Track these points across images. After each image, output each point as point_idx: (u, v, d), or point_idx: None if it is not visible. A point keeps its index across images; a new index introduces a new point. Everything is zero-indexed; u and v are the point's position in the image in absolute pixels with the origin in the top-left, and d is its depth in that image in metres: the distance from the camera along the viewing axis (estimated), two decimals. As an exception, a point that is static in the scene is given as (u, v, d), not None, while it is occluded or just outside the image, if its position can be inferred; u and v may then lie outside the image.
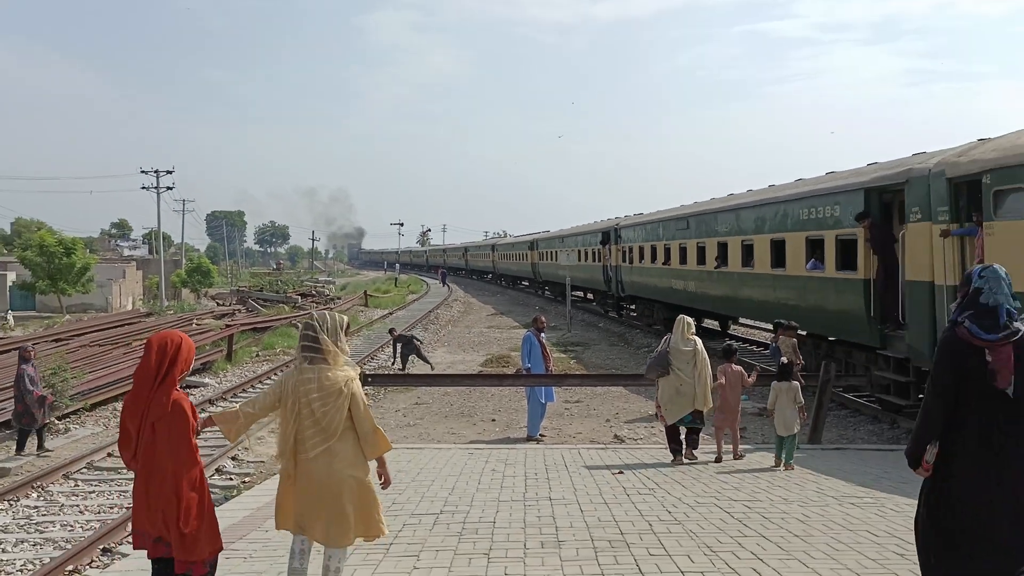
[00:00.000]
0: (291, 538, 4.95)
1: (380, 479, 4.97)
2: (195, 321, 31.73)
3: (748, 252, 18.29)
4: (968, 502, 3.62)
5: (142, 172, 57.08)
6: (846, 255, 13.92)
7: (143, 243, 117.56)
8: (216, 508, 4.73)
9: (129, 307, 47.62)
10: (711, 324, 25.25)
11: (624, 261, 29.71)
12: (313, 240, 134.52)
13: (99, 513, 9.48)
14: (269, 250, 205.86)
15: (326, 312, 5.11)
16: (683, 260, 23.10)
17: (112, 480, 10.91)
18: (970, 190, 10.89)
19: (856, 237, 13.45)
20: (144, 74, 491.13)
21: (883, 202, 13.37)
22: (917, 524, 3.86)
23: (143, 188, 57.30)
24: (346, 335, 4.94)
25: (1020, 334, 3.71)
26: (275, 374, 20.35)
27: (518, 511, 7.35)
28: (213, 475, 10.93)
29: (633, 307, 31.07)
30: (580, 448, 11.00)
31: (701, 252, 21.54)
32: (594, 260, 34.44)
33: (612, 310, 33.62)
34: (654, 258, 26.16)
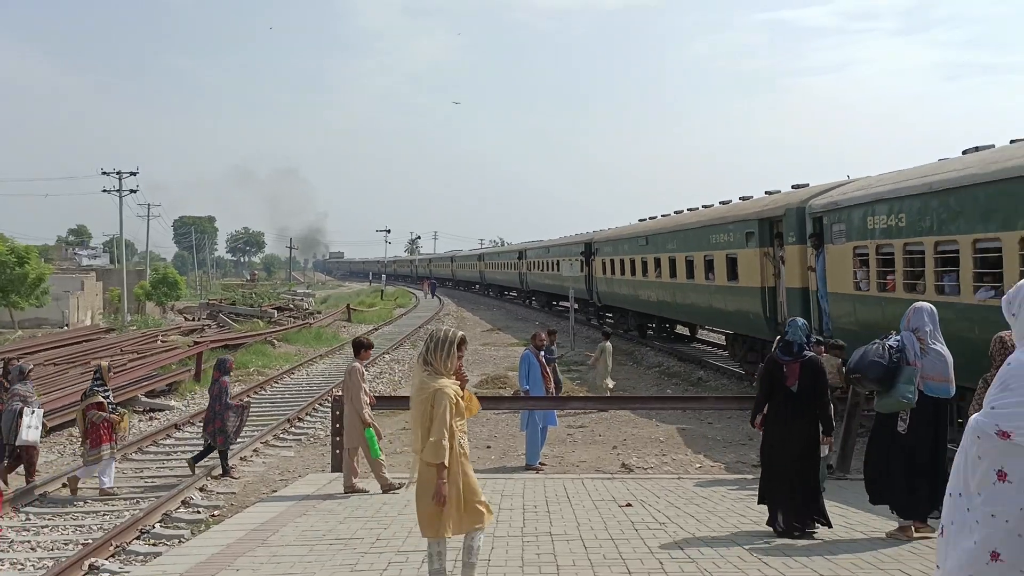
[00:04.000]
0: None
1: (435, 493, 5.63)
2: (160, 338, 31.70)
3: (689, 266, 24.16)
4: (775, 439, 7.67)
5: (103, 173, 57.11)
6: (747, 268, 19.77)
7: (104, 251, 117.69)
8: (180, 544, 4.70)
9: (88, 322, 47.53)
10: (682, 330, 31.46)
11: (601, 273, 34.60)
12: (291, 249, 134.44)
13: (52, 550, 9.43)
14: (242, 259, 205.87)
15: (448, 328, 6.03)
16: (644, 273, 28.54)
17: (67, 513, 10.86)
18: (819, 223, 16.25)
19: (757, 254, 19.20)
20: (103, 60, 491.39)
21: (769, 228, 18.93)
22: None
23: (104, 191, 57.35)
24: (459, 349, 5.81)
25: (805, 358, 7.51)
26: (248, 396, 20.31)
27: (515, 548, 7.33)
28: (179, 508, 10.90)
29: (610, 315, 36.33)
30: (584, 478, 10.98)
31: (657, 265, 27.10)
32: (581, 270, 38.38)
33: (593, 318, 38.96)
34: (623, 271, 31.42)
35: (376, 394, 12.67)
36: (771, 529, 7.76)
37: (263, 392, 21.44)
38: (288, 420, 17.08)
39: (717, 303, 22.30)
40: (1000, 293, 10.47)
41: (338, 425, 11.58)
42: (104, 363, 12.48)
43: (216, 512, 10.83)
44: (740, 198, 23.02)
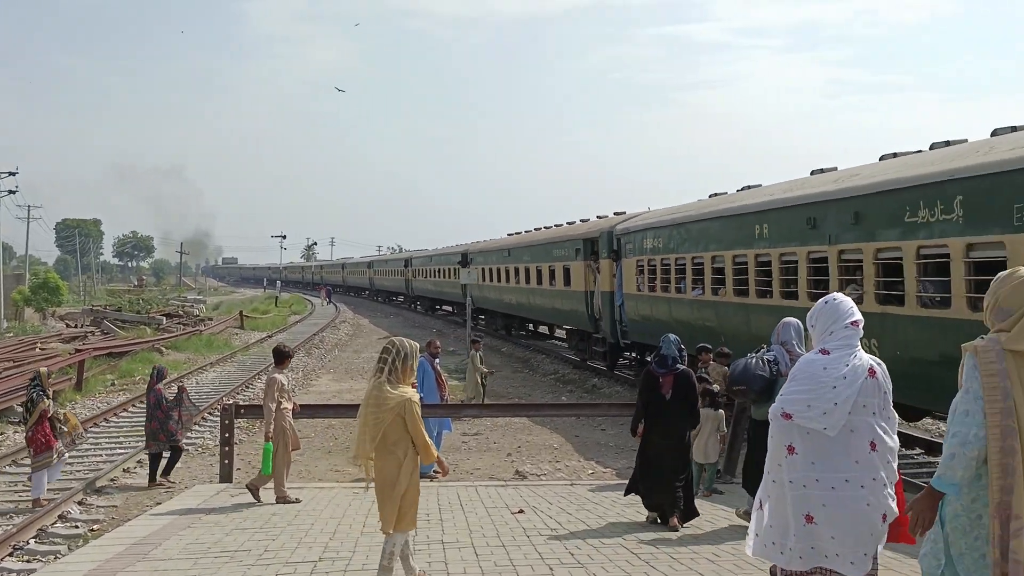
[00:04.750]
0: None
1: (441, 472, 6.90)
2: (39, 345, 30.35)
3: (538, 274, 29.97)
4: (653, 445, 8.33)
5: (-21, 174, 54.42)
6: (576, 276, 25.84)
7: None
8: (55, 561, 4.53)
9: (-40, 328, 45.09)
10: (543, 329, 36.69)
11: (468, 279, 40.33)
12: (181, 253, 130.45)
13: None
14: (130, 264, 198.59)
15: (403, 340, 6.34)
16: (507, 280, 34.37)
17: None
18: (618, 242, 22.61)
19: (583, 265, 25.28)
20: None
21: (592, 246, 24.77)
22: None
23: (-20, 192, 54.65)
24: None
25: (678, 370, 8.32)
26: (134, 405, 19.61)
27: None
28: (55, 523, 10.44)
29: (483, 316, 41.54)
30: (478, 485, 10.99)
31: (516, 273, 33.01)
32: (455, 277, 42.61)
33: (471, 320, 43.04)
34: (492, 278, 36.63)
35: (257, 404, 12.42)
36: (655, 525, 8.27)
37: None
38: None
39: (557, 304, 28.30)
40: (701, 293, 17.25)
41: (227, 435, 11.32)
42: (43, 369, 12.47)
43: (96, 526, 10.42)
44: (582, 220, 28.98)
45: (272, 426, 9.81)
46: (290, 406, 10.16)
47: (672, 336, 8.60)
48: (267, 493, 9.85)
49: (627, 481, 9.00)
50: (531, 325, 37.15)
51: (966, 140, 11.64)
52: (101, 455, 14.76)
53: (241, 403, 16.19)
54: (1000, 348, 3.75)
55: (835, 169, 14.58)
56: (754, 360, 7.76)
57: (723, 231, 16.50)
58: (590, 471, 13.22)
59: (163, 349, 31.77)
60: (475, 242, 45.09)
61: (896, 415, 4.56)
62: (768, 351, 7.79)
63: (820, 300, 4.76)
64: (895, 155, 13.00)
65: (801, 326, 7.87)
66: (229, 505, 9.59)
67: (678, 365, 8.34)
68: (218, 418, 12.92)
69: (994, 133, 11.11)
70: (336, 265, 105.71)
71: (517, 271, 32.89)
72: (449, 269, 45.85)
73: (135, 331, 39.10)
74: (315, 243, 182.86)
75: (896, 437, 4.48)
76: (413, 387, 6.32)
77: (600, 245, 23.93)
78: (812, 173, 15.16)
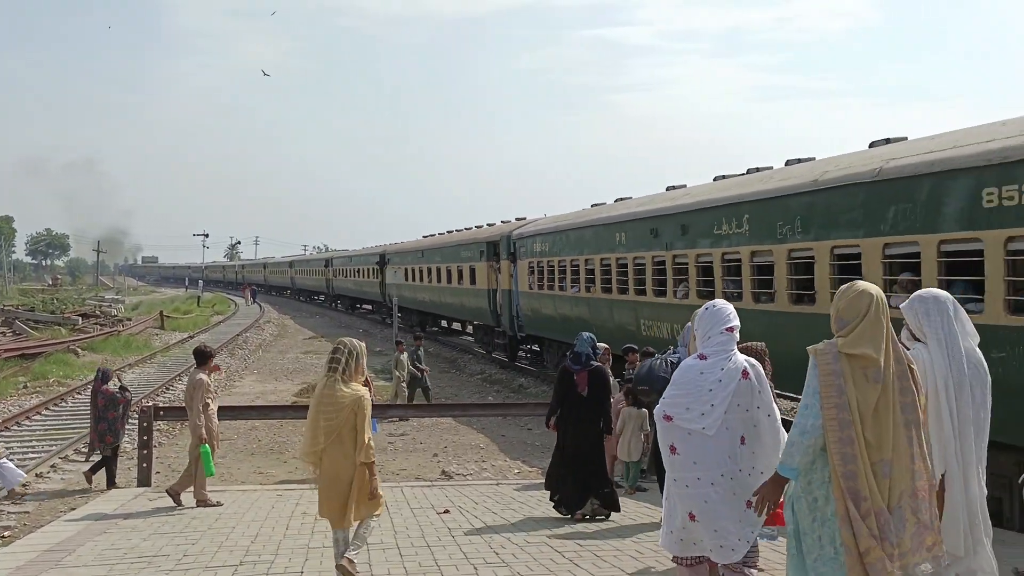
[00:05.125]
0: None
1: (371, 482, 6.25)
2: (-53, 346, 29.20)
3: (448, 274, 32.70)
4: (569, 440, 8.56)
5: None
6: (481, 276, 28.39)
7: None
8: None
9: None
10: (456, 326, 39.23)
11: (394, 279, 42.64)
12: (99, 252, 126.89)
13: None
14: (44, 263, 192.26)
15: (351, 339, 6.50)
16: (421, 279, 37.24)
17: None
18: (515, 245, 25.13)
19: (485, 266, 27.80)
20: None
21: (494, 248, 27.25)
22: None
23: None
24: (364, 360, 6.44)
25: (592, 367, 8.51)
26: (48, 408, 19.02)
27: (329, 559, 7.18)
28: (-37, 530, 10.06)
29: (400, 314, 43.79)
30: (403, 486, 10.95)
31: (429, 273, 35.82)
32: (373, 276, 46.67)
33: (388, 318, 44.87)
34: (408, 277, 38.41)
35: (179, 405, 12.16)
36: (573, 521, 8.48)
37: (63, 403, 20.11)
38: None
39: (465, 302, 30.91)
40: (577, 290, 19.97)
41: (145, 437, 11.07)
42: None
43: (7, 533, 10.05)
44: (488, 224, 32.07)
45: (203, 428, 9.65)
46: (215, 407, 10.02)
47: (586, 334, 8.84)
48: (187, 496, 9.67)
49: (547, 470, 9.17)
50: (444, 322, 39.60)
51: (814, 158, 13.25)
52: (13, 460, 14.24)
53: (161, 405, 15.82)
54: (836, 351, 4.20)
55: (684, 186, 17.42)
56: (659, 362, 8.19)
57: (593, 238, 19.51)
58: (516, 470, 13.28)
59: (79, 350, 30.83)
60: (393, 243, 48.01)
61: (775, 408, 4.95)
62: (674, 353, 8.09)
63: (702, 307, 5.09)
64: (757, 169, 14.98)
65: None
66: (147, 509, 9.38)
67: (592, 362, 8.61)
68: (136, 420, 12.62)
69: (787, 163, 13.50)
70: (258, 264, 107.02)
71: (430, 271, 35.71)
72: (368, 269, 48.43)
73: (49, 332, 37.88)
74: (239, 242, 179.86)
75: (778, 425, 4.85)
76: (366, 384, 6.49)
77: (501, 248, 26.66)
78: (668, 188, 17.99)
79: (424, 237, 41.97)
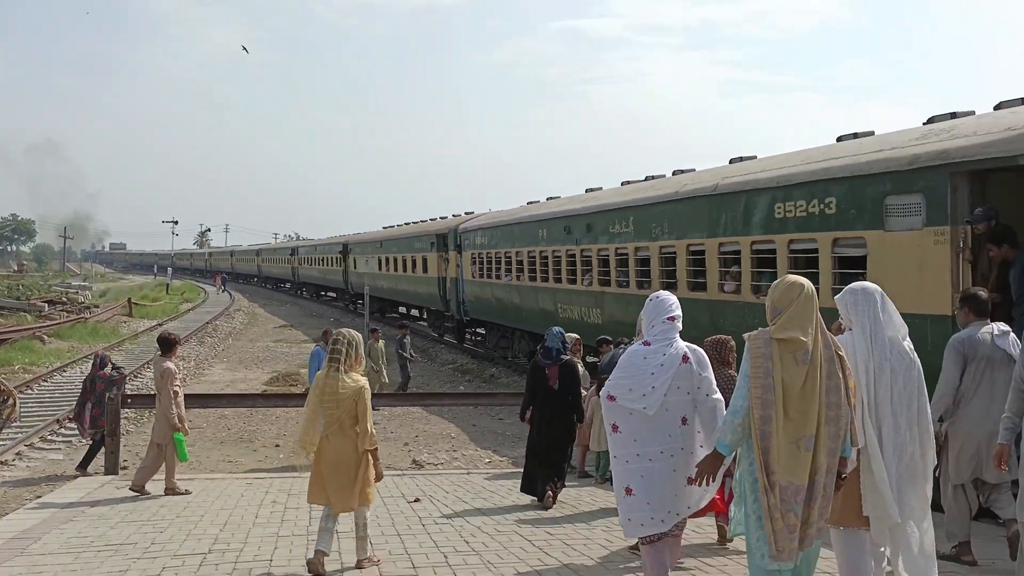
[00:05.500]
0: None
1: (374, 468, 6.61)
2: (-91, 332, 28.72)
3: (403, 263, 35.00)
4: (541, 432, 8.77)
5: None
6: (432, 266, 30.72)
7: None
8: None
9: None
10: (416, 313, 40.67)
11: (354, 267, 45.55)
12: (65, 238, 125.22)
13: None
14: (9, 248, 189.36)
15: (349, 330, 6.83)
16: (380, 268, 39.56)
17: None
18: (461, 238, 27.57)
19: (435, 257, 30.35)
20: None
21: (443, 240, 29.53)
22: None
23: None
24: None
25: (562, 361, 8.76)
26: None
27: (299, 547, 7.20)
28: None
29: (360, 301, 45.61)
30: (374, 475, 10.91)
31: (387, 262, 38.01)
32: (336, 265, 49.36)
33: (351, 304, 48.96)
34: (367, 266, 41.82)
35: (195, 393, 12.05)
36: (544, 510, 8.60)
37: (29, 391, 19.85)
38: (57, 421, 15.92)
39: (418, 289, 33.42)
40: (510, 279, 22.50)
41: (113, 425, 10.96)
42: None
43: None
44: (442, 217, 34.06)
45: (176, 416, 9.59)
46: (182, 394, 9.96)
47: (556, 329, 9.16)
48: (152, 485, 9.59)
49: (523, 470, 9.19)
50: (403, 308, 41.51)
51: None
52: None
53: (128, 393, 15.65)
54: (768, 336, 4.59)
55: (600, 188, 19.95)
56: (621, 350, 8.46)
57: (522, 233, 22.06)
58: (487, 460, 13.31)
59: (44, 337, 30.44)
60: (355, 234, 50.41)
61: (716, 391, 5.24)
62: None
63: (648, 297, 5.49)
64: (652, 177, 17.23)
65: None
66: (114, 498, 9.29)
67: (562, 356, 8.86)
68: (104, 408, 12.49)
69: (675, 172, 15.30)
70: (225, 252, 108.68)
71: (388, 260, 38.10)
72: (332, 258, 50.99)
73: (14, 318, 37.33)
74: (209, 229, 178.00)
75: (716, 405, 5.16)
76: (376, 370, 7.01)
77: (449, 240, 28.86)
78: (586, 191, 20.59)
79: (384, 228, 44.49)
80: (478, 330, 29.00)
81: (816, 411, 4.46)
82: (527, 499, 9.07)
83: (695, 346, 5.32)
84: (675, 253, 14.15)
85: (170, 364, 9.89)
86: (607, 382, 5.27)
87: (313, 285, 61.44)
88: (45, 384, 21.13)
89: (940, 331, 8.30)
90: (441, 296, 29.88)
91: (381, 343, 18.68)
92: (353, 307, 48.42)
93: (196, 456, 13.32)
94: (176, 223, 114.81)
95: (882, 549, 5.07)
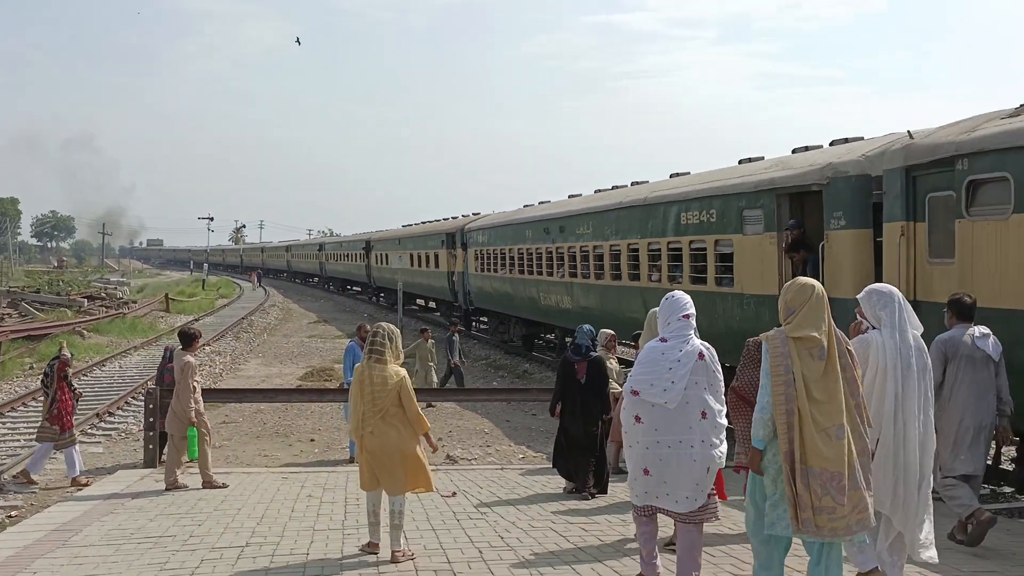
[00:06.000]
0: None
1: (430, 448, 7.06)
2: (-47, 327, 29.27)
3: (419, 259, 38.23)
4: (569, 427, 8.98)
5: None
6: (442, 261, 34.15)
7: None
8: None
9: None
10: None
11: (376, 263, 49.30)
12: (103, 234, 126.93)
13: None
14: (50, 245, 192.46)
15: (388, 324, 7.20)
16: (400, 263, 41.75)
17: None
18: (466, 237, 31.00)
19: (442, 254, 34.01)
20: None
21: (452, 238, 32.71)
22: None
23: None
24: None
25: (591, 357, 9.09)
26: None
27: (335, 541, 7.25)
28: (-30, 509, 10.13)
29: (383, 294, 50.52)
30: (408, 470, 10.94)
31: (408, 258, 40.67)
32: (360, 261, 52.82)
33: (374, 296, 53.56)
34: (389, 262, 45.14)
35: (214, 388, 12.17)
36: (577, 499, 8.86)
37: (360, 364, 20.11)
38: (97, 414, 16.17)
39: (432, 282, 36.71)
40: (505, 273, 26.01)
41: (151, 419, 11.09)
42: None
43: (14, 513, 10.11)
44: (452, 217, 36.98)
45: (193, 409, 9.68)
46: (200, 389, 10.02)
47: (586, 327, 9.47)
48: (193, 478, 9.70)
49: (554, 463, 9.52)
50: (420, 301, 44.69)
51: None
52: (19, 440, 14.33)
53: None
54: (784, 336, 4.91)
55: (580, 195, 23.33)
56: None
57: (514, 233, 25.85)
58: (520, 455, 13.31)
59: (84, 332, 30.93)
60: (377, 231, 53.98)
61: (723, 386, 5.60)
62: None
63: (664, 296, 5.79)
64: (616, 187, 21.00)
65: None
66: (153, 490, 9.41)
67: (591, 352, 9.22)
68: (142, 402, 12.66)
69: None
70: (256, 249, 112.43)
71: (405, 256, 41.30)
72: (356, 254, 54.56)
73: (55, 313, 37.96)
74: (244, 226, 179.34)
75: (724, 401, 5.58)
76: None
77: (456, 238, 32.28)
78: (569, 196, 24.23)
79: (403, 227, 48.39)
80: (482, 319, 33.30)
81: (842, 401, 4.77)
82: (562, 494, 9.07)
83: (708, 344, 5.61)
84: (620, 251, 17.83)
85: (191, 358, 9.97)
86: (630, 377, 5.60)
87: (339, 279, 64.60)
88: (85, 378, 21.44)
89: (773, 307, 9.09)
90: (450, 288, 33.22)
91: (431, 343, 18.53)
92: (376, 299, 52.13)
93: (232, 450, 13.48)
94: (211, 219, 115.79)
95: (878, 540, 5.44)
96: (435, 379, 18.39)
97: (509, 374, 23.37)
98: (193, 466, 9.91)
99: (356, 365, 7.11)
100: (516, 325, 26.96)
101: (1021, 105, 8.87)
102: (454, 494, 9.17)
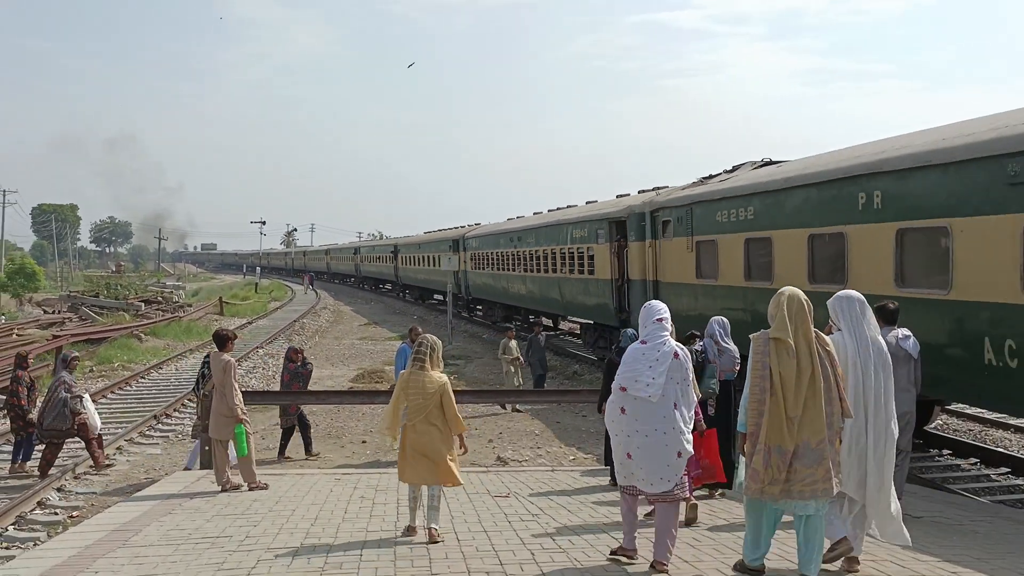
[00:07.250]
0: None
1: (461, 448, 7.76)
2: (16, 331, 30.09)
3: (433, 260, 45.03)
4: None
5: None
6: (449, 262, 37.56)
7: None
8: (35, 547, 4.50)
9: (-65, 314, 44.54)
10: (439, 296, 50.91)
11: (401, 264, 56.36)
12: (160, 239, 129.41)
13: None
14: (108, 250, 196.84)
15: (431, 335, 7.85)
16: (421, 264, 49.26)
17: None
18: (467, 243, 39.81)
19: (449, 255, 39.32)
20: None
21: (456, 244, 40.77)
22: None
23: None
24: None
25: None
26: (112, 392, 19.51)
27: (388, 543, 7.30)
28: (34, 509, 10.40)
29: (408, 291, 58.97)
30: (460, 472, 10.98)
31: (426, 260, 48.08)
32: (389, 262, 60.18)
33: (400, 292, 61.68)
34: (412, 263, 52.46)
35: (250, 389, 12.37)
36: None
37: (128, 388, 20.63)
38: (155, 416, 16.50)
39: (442, 279, 41.84)
40: (490, 271, 35.33)
41: (207, 421, 11.25)
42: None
43: (75, 513, 10.37)
44: (459, 226, 45.09)
45: (239, 407, 9.76)
46: (239, 386, 10.08)
47: (630, 331, 9.63)
48: (236, 478, 9.81)
49: (607, 465, 9.24)
50: (438, 296, 49.99)
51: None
52: (80, 442, 14.65)
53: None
54: (767, 337, 5.77)
55: (546, 211, 30.96)
56: (703, 344, 9.33)
57: (495, 240, 33.97)
58: (571, 457, 13.28)
59: (142, 335, 31.57)
60: (402, 237, 60.68)
61: (694, 380, 6.50)
62: (700, 343, 9.18)
63: (643, 305, 6.67)
64: (571, 205, 28.74)
65: (726, 322, 9.76)
66: (210, 491, 9.57)
67: None
68: (196, 405, 12.86)
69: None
70: (320, 252, 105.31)
71: (425, 259, 48.14)
72: (386, 256, 61.19)
73: (113, 317, 38.82)
74: (295, 229, 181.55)
75: (693, 394, 6.40)
76: None
77: (459, 244, 40.07)
78: (548, 211, 30.93)
79: (425, 233, 54.27)
80: (477, 308, 42.20)
81: (802, 395, 5.61)
82: (613, 497, 9.03)
83: (682, 345, 6.55)
84: (546, 253, 26.82)
85: (229, 357, 10.04)
86: (618, 375, 6.41)
87: (372, 279, 72.80)
88: (143, 381, 21.89)
89: (611, 287, 21.05)
90: (456, 284, 39.97)
91: (514, 343, 18.50)
92: (403, 295, 60.73)
93: (289, 451, 13.62)
94: (264, 223, 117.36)
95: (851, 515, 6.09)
96: (519, 382, 18.27)
97: (559, 375, 23.34)
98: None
99: (401, 371, 7.77)
100: (498, 309, 36.13)
101: (703, 177, 17.34)
102: (508, 495, 9.18)
